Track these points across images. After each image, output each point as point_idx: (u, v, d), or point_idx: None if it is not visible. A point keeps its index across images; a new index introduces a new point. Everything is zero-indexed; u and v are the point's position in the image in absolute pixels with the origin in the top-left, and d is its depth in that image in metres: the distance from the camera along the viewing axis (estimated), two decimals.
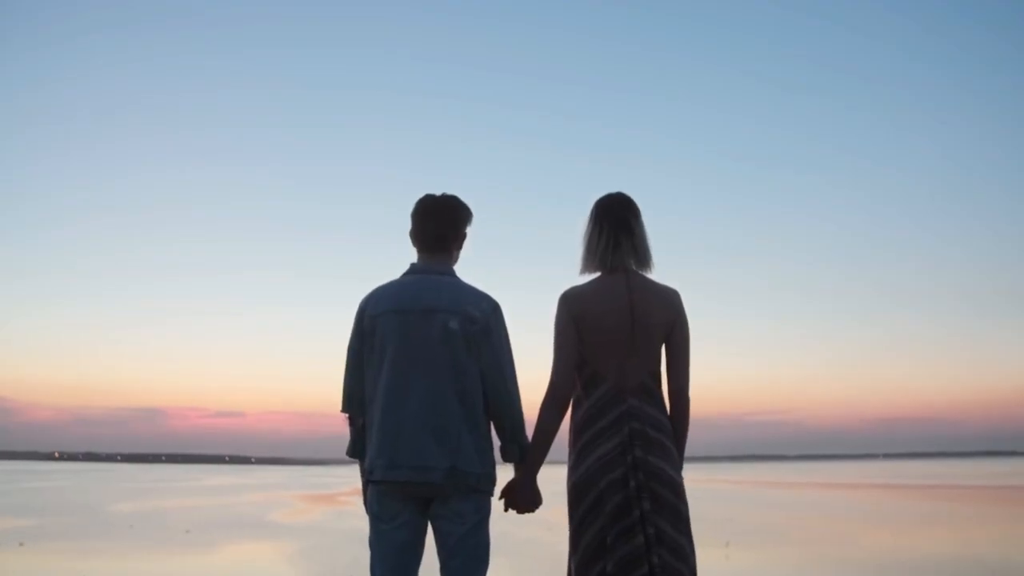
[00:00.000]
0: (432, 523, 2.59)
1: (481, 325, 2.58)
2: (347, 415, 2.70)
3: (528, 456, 2.61)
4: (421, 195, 2.76)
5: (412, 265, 2.73)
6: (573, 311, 2.58)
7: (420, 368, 2.54)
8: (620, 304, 2.57)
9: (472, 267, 2.77)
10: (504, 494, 2.65)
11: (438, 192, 2.76)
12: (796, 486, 32.17)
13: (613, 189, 2.74)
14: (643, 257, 2.66)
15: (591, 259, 2.67)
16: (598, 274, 2.66)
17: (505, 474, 2.66)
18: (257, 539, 11.12)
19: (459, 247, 2.78)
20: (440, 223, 2.71)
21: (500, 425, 2.64)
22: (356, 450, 2.68)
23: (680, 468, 2.58)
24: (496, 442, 2.65)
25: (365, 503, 2.63)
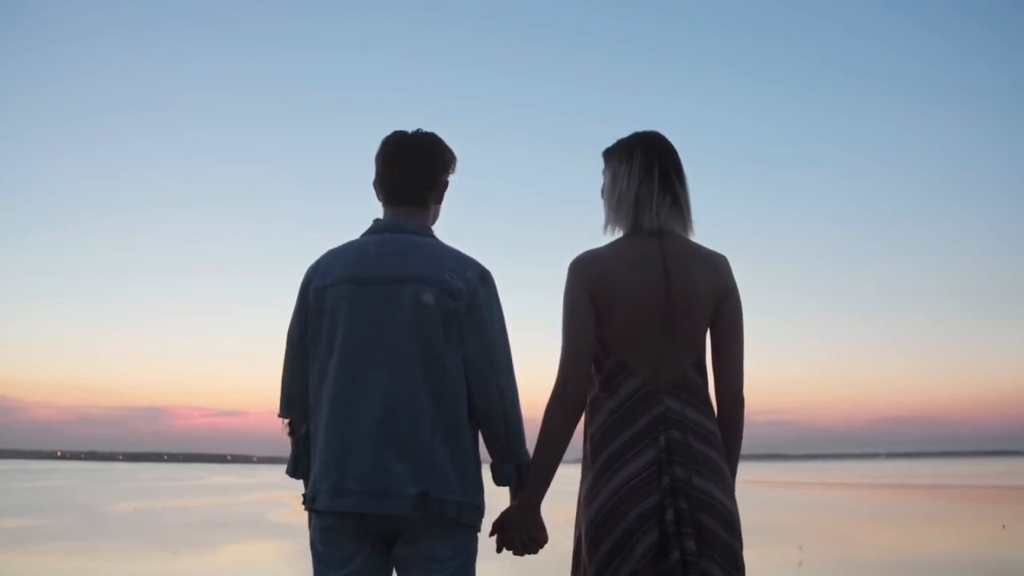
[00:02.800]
0: (397, 570, 1.92)
1: (465, 299, 1.91)
2: (286, 421, 2.03)
3: (528, 477, 1.94)
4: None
5: (376, 221, 2.06)
6: (589, 278, 1.92)
7: (381, 358, 1.89)
8: (652, 271, 1.92)
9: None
10: (496, 529, 1.95)
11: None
12: (798, 485, 32.32)
13: None
14: (684, 216, 2.00)
15: (621, 213, 1.98)
16: (621, 235, 2.00)
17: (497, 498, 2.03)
18: (257, 538, 11.06)
19: (438, 200, 2.11)
20: (414, 167, 2.04)
21: (491, 435, 1.96)
22: (298, 468, 2.01)
23: (733, 491, 1.93)
24: (486, 459, 1.99)
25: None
